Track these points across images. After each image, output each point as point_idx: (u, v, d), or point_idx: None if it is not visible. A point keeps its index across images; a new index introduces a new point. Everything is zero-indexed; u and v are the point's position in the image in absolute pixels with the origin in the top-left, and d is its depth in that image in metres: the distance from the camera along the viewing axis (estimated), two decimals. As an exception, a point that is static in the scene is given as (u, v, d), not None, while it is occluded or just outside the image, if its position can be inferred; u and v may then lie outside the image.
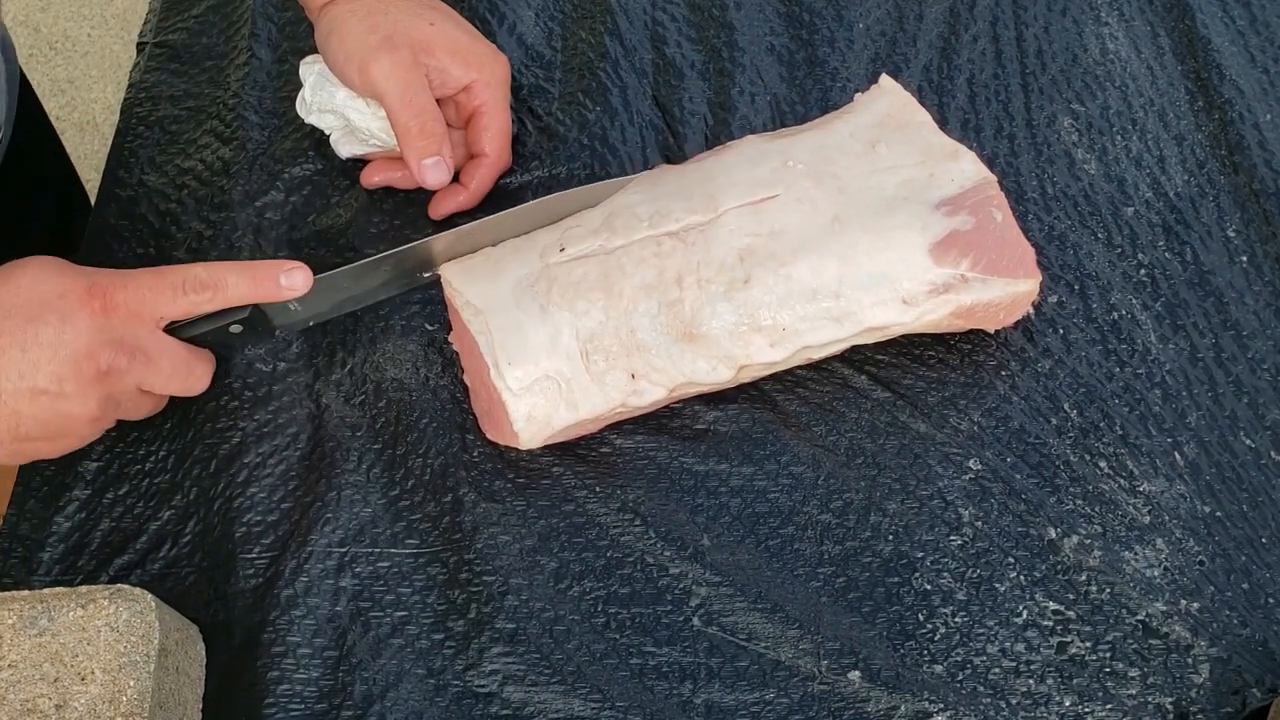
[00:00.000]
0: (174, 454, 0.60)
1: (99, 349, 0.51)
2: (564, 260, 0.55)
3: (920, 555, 0.56)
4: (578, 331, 0.54)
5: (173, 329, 0.54)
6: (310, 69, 0.66)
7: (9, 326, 0.50)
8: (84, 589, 0.50)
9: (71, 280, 0.51)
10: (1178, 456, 0.59)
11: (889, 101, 0.63)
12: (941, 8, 0.75)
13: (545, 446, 0.57)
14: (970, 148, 0.60)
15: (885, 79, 0.63)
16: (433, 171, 0.62)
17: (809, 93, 0.71)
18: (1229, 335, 0.63)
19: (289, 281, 0.54)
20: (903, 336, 0.59)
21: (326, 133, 0.68)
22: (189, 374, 0.55)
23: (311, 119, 0.67)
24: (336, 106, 0.65)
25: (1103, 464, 0.59)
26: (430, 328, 0.63)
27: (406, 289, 0.60)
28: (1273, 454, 0.59)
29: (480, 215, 0.60)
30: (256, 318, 0.56)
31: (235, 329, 0.56)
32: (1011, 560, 0.56)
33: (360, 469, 0.59)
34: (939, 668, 0.54)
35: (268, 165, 0.68)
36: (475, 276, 0.56)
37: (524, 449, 0.57)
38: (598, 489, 0.58)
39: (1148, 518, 0.57)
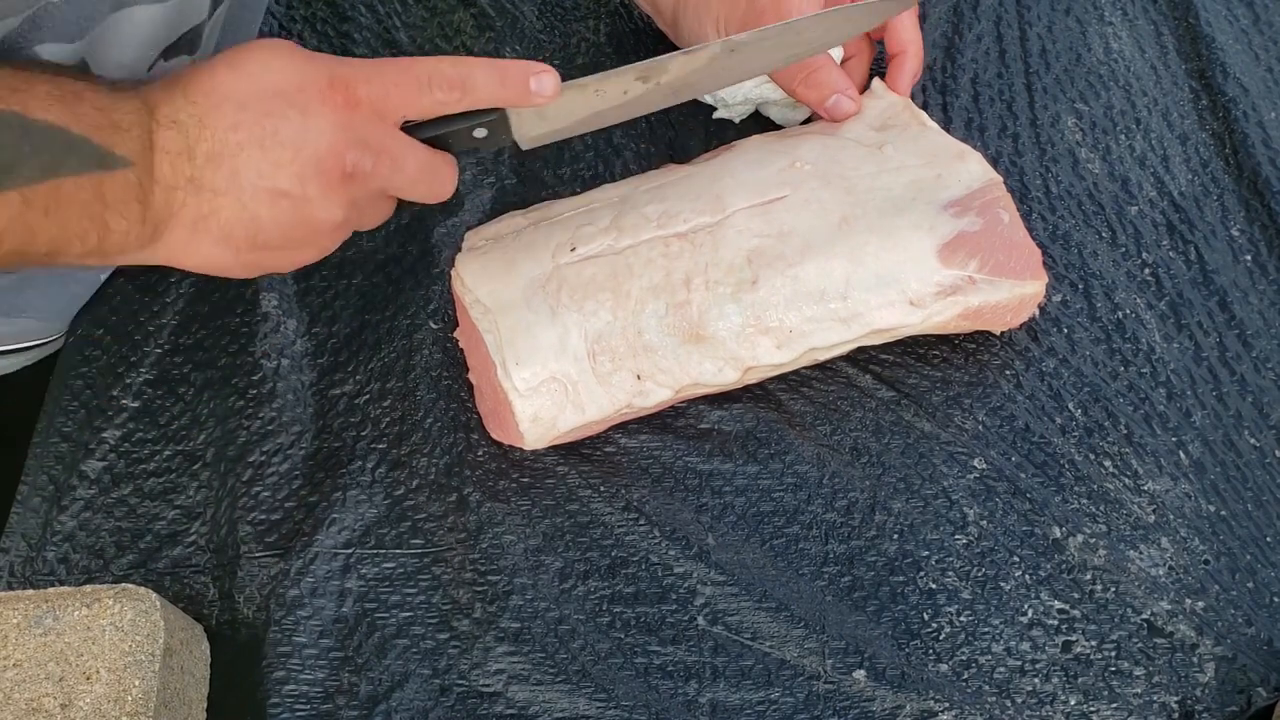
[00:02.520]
0: (179, 454, 0.60)
1: (344, 148, 0.46)
2: (574, 260, 0.55)
3: (925, 554, 0.56)
4: (586, 333, 0.54)
5: (409, 128, 0.49)
6: None
7: (244, 120, 0.45)
8: (89, 588, 0.50)
9: (309, 70, 0.46)
10: (1182, 455, 0.59)
11: (886, 104, 0.63)
12: (945, 7, 0.75)
13: (550, 446, 0.57)
14: (974, 147, 0.60)
15: (877, 83, 0.63)
16: (837, 108, 0.61)
17: (813, 92, 0.71)
18: (1233, 334, 0.63)
19: (538, 85, 0.49)
20: (908, 337, 0.59)
21: (734, 120, 0.69)
22: (434, 177, 0.50)
23: (721, 113, 0.68)
24: (746, 95, 0.66)
25: (1107, 463, 0.59)
26: (435, 326, 0.63)
27: (658, 109, 0.54)
28: (1277, 453, 0.59)
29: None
30: (500, 124, 0.51)
31: (480, 133, 0.51)
32: (1016, 559, 0.56)
33: (365, 469, 0.59)
34: (944, 666, 0.54)
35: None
36: (487, 274, 0.56)
37: (529, 449, 0.57)
38: (602, 488, 0.58)
39: (1152, 517, 0.57)
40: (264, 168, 0.45)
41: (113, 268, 0.65)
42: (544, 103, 0.50)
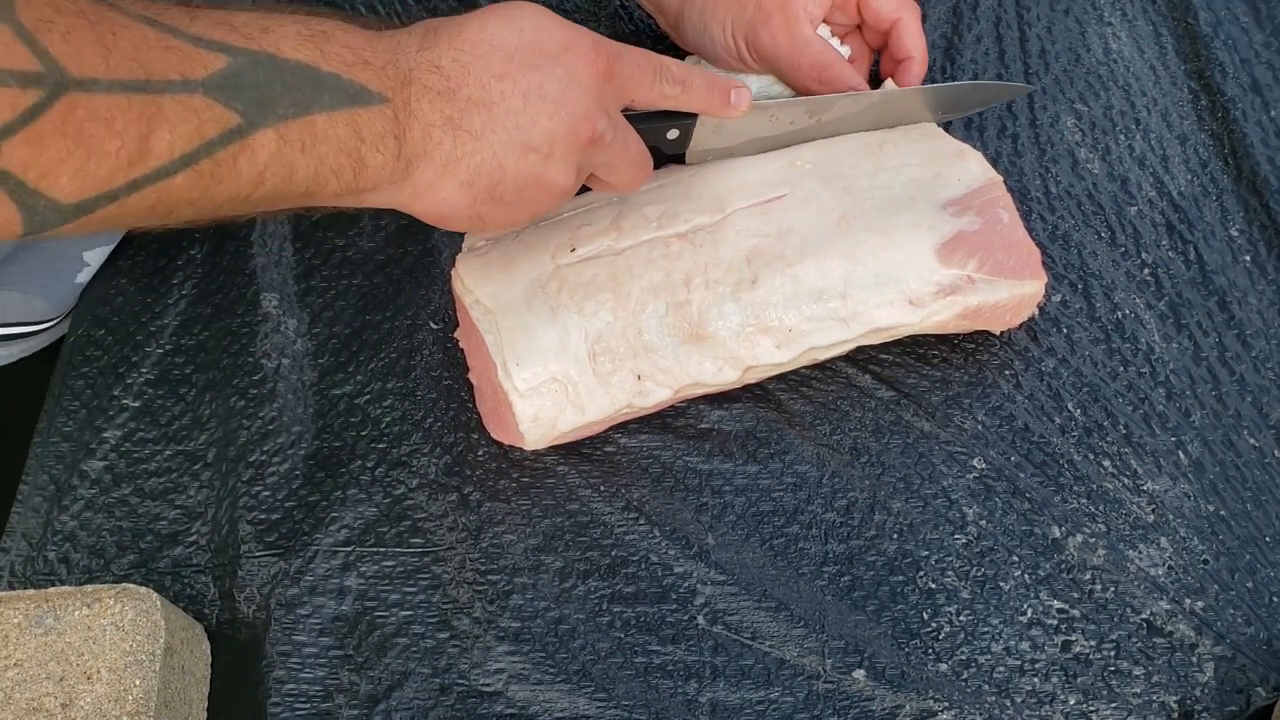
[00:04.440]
0: (180, 453, 0.60)
1: (597, 114, 0.48)
2: (574, 261, 0.56)
3: (925, 554, 0.56)
4: (586, 333, 0.54)
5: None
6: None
7: (511, 71, 0.46)
8: (89, 588, 0.50)
9: (575, 33, 0.48)
10: (1181, 455, 0.59)
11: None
12: (945, 7, 0.75)
13: (550, 446, 0.58)
14: (974, 147, 0.60)
15: (889, 84, 0.63)
16: None
17: (813, 92, 0.71)
18: (1232, 334, 0.63)
19: (737, 99, 0.54)
20: (907, 336, 0.59)
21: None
22: (643, 164, 0.53)
23: None
24: (754, 94, 0.66)
25: (1106, 463, 0.59)
26: (435, 326, 0.63)
27: (807, 140, 0.60)
28: (1276, 453, 0.59)
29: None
30: (687, 130, 0.55)
31: (672, 134, 0.55)
32: (1016, 559, 0.56)
33: (365, 468, 0.59)
34: (944, 666, 0.54)
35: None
36: (488, 275, 0.56)
37: (529, 449, 0.57)
38: (602, 488, 0.58)
39: (1152, 516, 0.57)
40: (522, 120, 0.46)
41: (92, 251, 0.65)
42: (737, 115, 0.55)
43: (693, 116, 0.55)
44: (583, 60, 0.48)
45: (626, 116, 0.52)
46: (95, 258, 0.65)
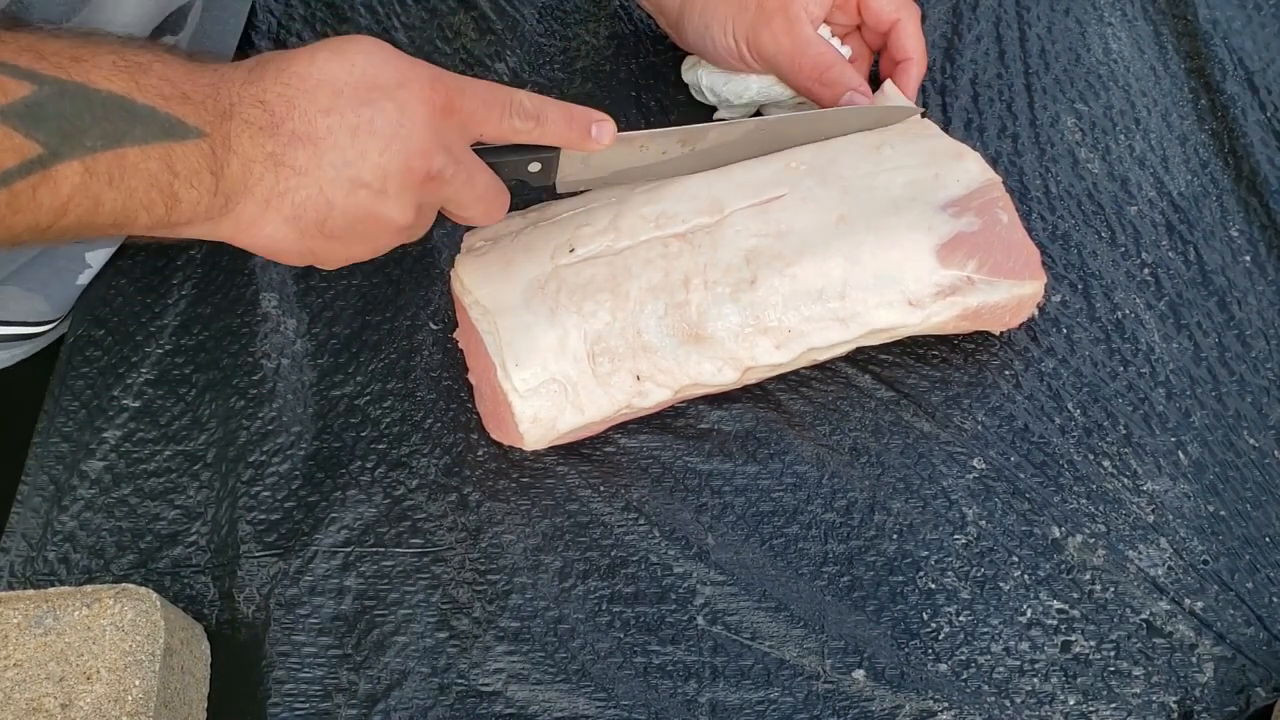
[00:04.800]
0: (180, 454, 0.60)
1: (433, 151, 0.47)
2: (573, 261, 0.55)
3: (924, 554, 0.56)
4: (585, 334, 0.54)
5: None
6: (696, 71, 0.68)
7: (339, 106, 0.45)
8: (89, 588, 0.50)
9: (411, 69, 0.47)
10: (1181, 455, 0.59)
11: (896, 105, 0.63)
12: (944, 8, 0.75)
13: (549, 447, 0.57)
14: (974, 148, 0.60)
15: (889, 84, 0.63)
16: (852, 105, 0.62)
17: (813, 92, 0.71)
18: (1232, 334, 0.63)
19: (598, 132, 0.52)
20: (907, 337, 0.59)
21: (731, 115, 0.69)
22: (494, 200, 0.52)
23: (723, 114, 0.69)
24: (753, 95, 0.66)
25: (1106, 463, 0.59)
26: (435, 327, 0.63)
27: (686, 173, 0.59)
28: (1276, 453, 0.59)
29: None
30: (551, 163, 0.54)
31: (534, 167, 0.54)
32: (1015, 559, 0.56)
33: (365, 468, 0.59)
34: (943, 666, 0.54)
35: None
36: (486, 276, 0.56)
37: (529, 450, 0.57)
38: (602, 488, 0.58)
39: (1151, 517, 0.57)
40: (350, 155, 0.45)
41: (95, 253, 0.65)
42: (599, 148, 0.53)
43: (555, 149, 0.53)
44: (418, 95, 0.46)
45: (482, 150, 0.51)
46: (97, 259, 0.65)
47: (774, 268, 0.55)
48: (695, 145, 0.58)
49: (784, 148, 0.60)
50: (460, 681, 0.53)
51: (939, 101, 0.71)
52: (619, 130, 0.54)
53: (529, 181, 0.55)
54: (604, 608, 0.55)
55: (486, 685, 0.53)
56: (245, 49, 0.73)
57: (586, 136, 0.52)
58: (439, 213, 0.52)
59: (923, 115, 0.63)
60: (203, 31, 0.64)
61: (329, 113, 0.45)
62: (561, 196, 0.59)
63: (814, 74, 0.61)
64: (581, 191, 0.59)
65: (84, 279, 0.65)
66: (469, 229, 0.60)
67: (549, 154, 0.53)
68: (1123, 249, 0.66)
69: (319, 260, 0.49)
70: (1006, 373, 0.61)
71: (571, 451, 0.59)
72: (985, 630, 0.54)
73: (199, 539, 0.57)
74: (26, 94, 0.39)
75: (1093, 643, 0.54)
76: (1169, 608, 0.55)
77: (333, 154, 0.45)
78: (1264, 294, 0.64)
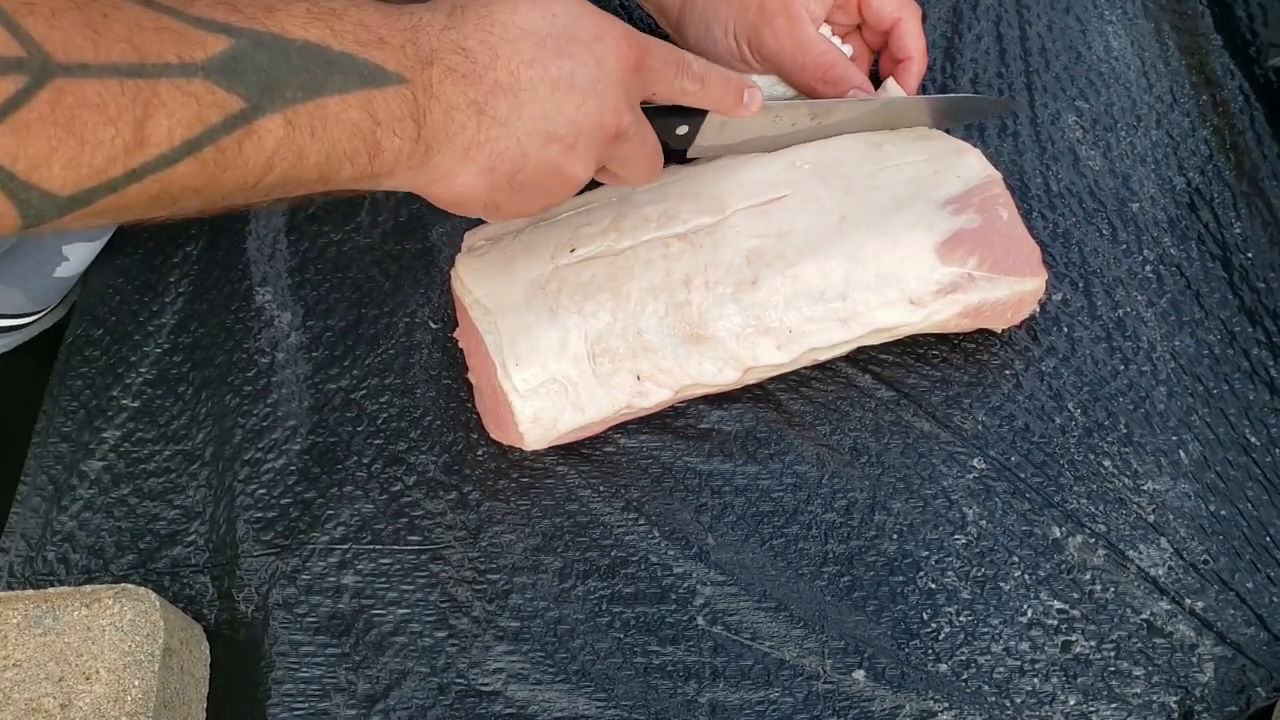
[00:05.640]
0: (179, 453, 0.60)
1: (624, 108, 0.47)
2: (574, 261, 0.55)
3: (925, 554, 0.56)
4: (585, 333, 0.54)
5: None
6: None
7: (541, 58, 0.44)
8: (88, 588, 0.50)
9: (607, 24, 0.47)
10: (1182, 455, 0.59)
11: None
12: (945, 7, 0.75)
13: (549, 446, 0.57)
14: (975, 145, 0.60)
15: (891, 83, 0.63)
16: None
17: (813, 90, 0.71)
18: (1233, 333, 0.62)
19: (749, 99, 0.53)
20: (907, 336, 0.59)
21: None
22: (656, 160, 0.52)
23: None
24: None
25: (1107, 463, 0.59)
26: (435, 325, 0.63)
27: (817, 138, 0.60)
28: (1276, 452, 0.59)
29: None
30: (695, 127, 0.55)
31: (682, 130, 0.54)
32: (1016, 559, 0.56)
33: (361, 463, 0.59)
34: (944, 666, 0.54)
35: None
36: (487, 275, 0.56)
37: (529, 450, 0.57)
38: (602, 488, 0.58)
39: (1152, 516, 0.57)
40: (549, 109, 0.45)
41: (71, 246, 0.64)
42: (749, 114, 0.53)
43: (703, 113, 0.54)
44: (614, 51, 0.46)
45: (644, 110, 0.51)
46: (74, 252, 0.64)
47: (776, 268, 0.55)
48: (823, 119, 0.59)
49: (903, 126, 0.61)
50: (459, 681, 0.53)
51: (940, 99, 0.71)
52: None
53: (671, 144, 0.56)
54: (604, 608, 0.55)
55: (486, 685, 0.53)
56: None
57: (739, 101, 0.53)
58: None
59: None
60: None
61: (531, 64, 0.44)
62: (688, 162, 0.60)
63: (817, 73, 0.61)
64: (713, 158, 0.60)
65: (62, 271, 0.65)
66: (469, 229, 0.60)
67: (698, 118, 0.54)
68: (1124, 247, 0.66)
69: (498, 212, 0.48)
70: (1007, 372, 0.61)
71: (571, 451, 0.59)
72: (985, 630, 0.54)
73: (198, 538, 0.57)
74: (224, 48, 0.38)
75: (1093, 643, 0.54)
76: (1169, 608, 0.55)
77: (533, 106, 0.45)
78: (1266, 291, 0.64)
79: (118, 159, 0.36)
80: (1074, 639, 0.54)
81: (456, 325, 0.60)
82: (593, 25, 0.46)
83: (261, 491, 0.58)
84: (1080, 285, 0.64)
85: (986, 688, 0.53)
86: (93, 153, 0.36)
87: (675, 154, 0.58)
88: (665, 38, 0.70)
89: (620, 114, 0.47)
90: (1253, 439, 0.59)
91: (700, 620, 0.55)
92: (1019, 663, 0.54)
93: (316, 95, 0.40)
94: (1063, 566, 0.56)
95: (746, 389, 0.60)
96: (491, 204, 0.47)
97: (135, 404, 0.61)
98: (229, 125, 0.39)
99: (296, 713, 0.53)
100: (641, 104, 0.51)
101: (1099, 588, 0.55)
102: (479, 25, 0.44)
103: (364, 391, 0.61)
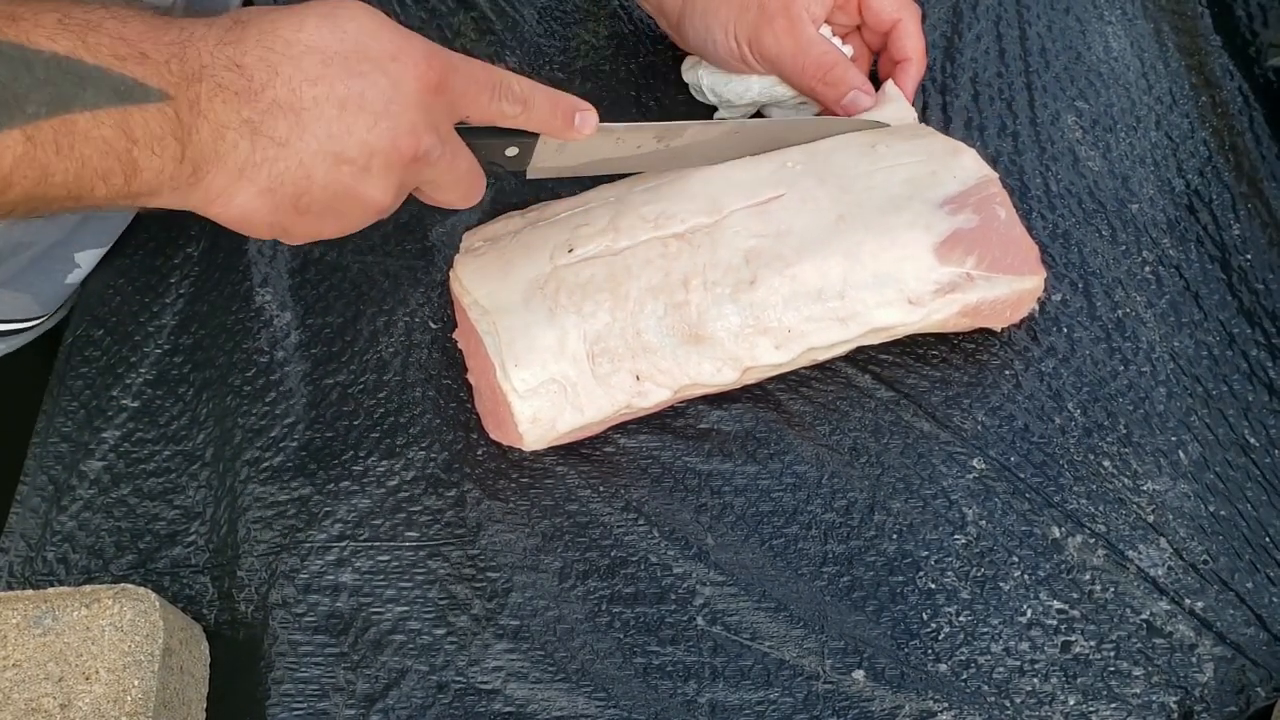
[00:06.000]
0: (179, 453, 0.60)
1: (423, 130, 0.44)
2: (572, 261, 0.55)
3: (924, 554, 0.56)
4: (584, 334, 0.54)
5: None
6: (696, 72, 0.67)
7: (328, 76, 0.42)
8: (88, 588, 0.50)
9: (406, 42, 0.44)
10: (1182, 455, 0.59)
11: (894, 108, 0.63)
12: (944, 7, 0.75)
13: (549, 447, 0.57)
14: (974, 146, 0.60)
15: (890, 85, 0.63)
16: (855, 105, 0.62)
17: (812, 91, 0.71)
18: (1233, 333, 0.62)
19: (581, 121, 0.50)
20: (907, 336, 0.59)
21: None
22: (474, 183, 0.50)
23: (723, 114, 0.69)
24: (755, 96, 0.66)
25: (1106, 463, 0.59)
26: (434, 326, 0.63)
27: (661, 169, 0.58)
28: (1276, 453, 0.59)
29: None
30: (528, 149, 0.53)
31: (511, 152, 0.52)
32: (1015, 559, 0.56)
33: (358, 459, 0.59)
34: (943, 666, 0.54)
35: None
36: (486, 276, 0.56)
37: (528, 450, 0.57)
38: (601, 488, 0.58)
39: (1151, 516, 0.57)
40: (336, 129, 0.43)
41: (84, 253, 0.64)
42: (581, 137, 0.51)
43: (534, 135, 0.52)
44: (411, 71, 0.44)
45: (461, 131, 0.49)
46: (86, 259, 0.64)
47: (774, 268, 0.55)
48: (670, 142, 0.57)
49: (761, 150, 0.60)
50: (459, 679, 0.53)
51: (939, 101, 0.71)
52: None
53: (503, 165, 0.54)
54: (604, 607, 0.55)
55: (485, 683, 0.53)
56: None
57: (570, 125, 0.50)
58: (414, 198, 0.50)
59: (919, 120, 0.63)
60: None
61: (316, 82, 0.42)
62: (529, 182, 0.58)
63: (817, 74, 0.61)
64: (551, 180, 0.58)
65: (73, 278, 0.65)
66: (468, 229, 0.60)
67: (528, 139, 0.52)
68: (1123, 247, 0.66)
69: (287, 235, 0.46)
70: (1006, 372, 0.61)
71: (571, 451, 0.59)
72: (985, 630, 0.54)
73: (198, 538, 0.57)
74: None
75: (1093, 643, 0.54)
76: (1169, 608, 0.55)
77: (317, 126, 0.42)
78: (1265, 292, 0.64)
79: None
80: (1074, 639, 0.54)
81: (456, 325, 0.60)
82: (389, 43, 0.44)
83: (261, 490, 0.58)
84: (1080, 286, 0.64)
85: (986, 688, 0.53)
86: None
87: (512, 174, 0.56)
88: (664, 38, 0.70)
89: (418, 136, 0.44)
90: (1252, 439, 0.59)
91: (700, 620, 0.55)
92: (1019, 663, 0.54)
93: (64, 110, 0.38)
94: (1062, 567, 0.56)
95: (746, 389, 0.60)
96: (278, 226, 0.45)
97: (135, 404, 0.61)
98: None
99: (296, 712, 0.53)
100: (461, 125, 0.49)
101: (1099, 588, 0.55)
102: (260, 41, 0.42)
103: (361, 387, 0.61)
